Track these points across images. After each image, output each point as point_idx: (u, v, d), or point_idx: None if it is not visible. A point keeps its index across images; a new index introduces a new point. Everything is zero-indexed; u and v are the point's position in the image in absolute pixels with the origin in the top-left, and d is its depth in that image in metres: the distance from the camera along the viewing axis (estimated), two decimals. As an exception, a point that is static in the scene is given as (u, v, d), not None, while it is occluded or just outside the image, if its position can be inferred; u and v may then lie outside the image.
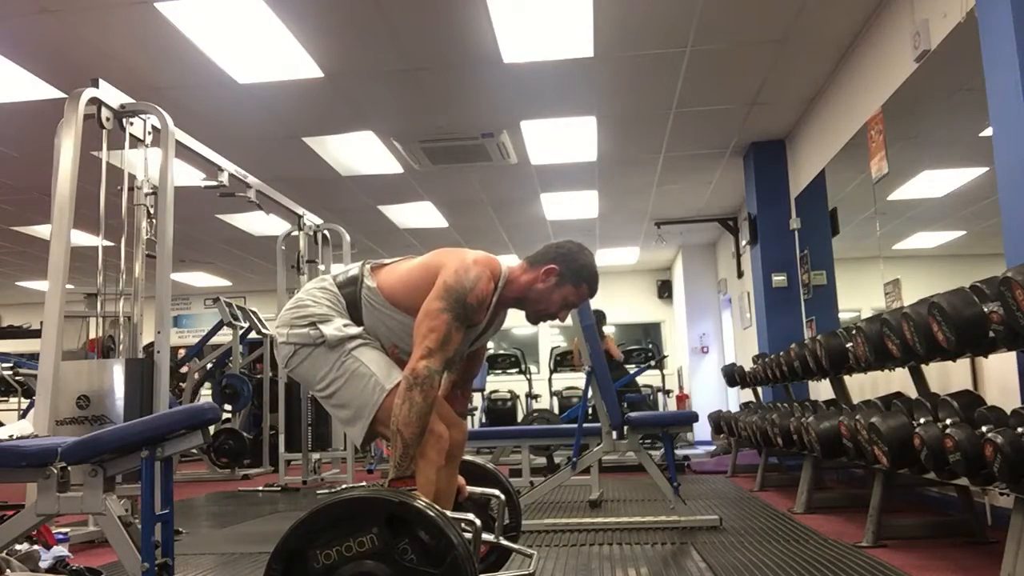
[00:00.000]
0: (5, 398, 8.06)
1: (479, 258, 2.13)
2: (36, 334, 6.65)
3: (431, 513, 1.63)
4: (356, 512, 1.66)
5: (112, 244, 3.92)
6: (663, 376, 9.42)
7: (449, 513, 1.72)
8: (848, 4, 4.36)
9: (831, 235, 6.12)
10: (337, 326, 2.07)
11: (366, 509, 1.66)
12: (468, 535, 1.76)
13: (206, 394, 9.01)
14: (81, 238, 4.39)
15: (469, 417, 7.63)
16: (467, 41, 4.61)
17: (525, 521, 4.04)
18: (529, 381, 9.55)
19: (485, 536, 2.12)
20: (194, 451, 7.96)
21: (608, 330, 12.29)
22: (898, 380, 3.83)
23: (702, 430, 8.81)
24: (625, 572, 2.98)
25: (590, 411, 4.77)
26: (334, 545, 1.62)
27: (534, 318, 2.22)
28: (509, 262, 2.23)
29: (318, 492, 5.97)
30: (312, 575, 1.62)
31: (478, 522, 1.81)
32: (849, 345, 3.67)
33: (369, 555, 1.60)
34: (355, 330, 2.08)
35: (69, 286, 3.46)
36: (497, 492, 2.22)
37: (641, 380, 8.57)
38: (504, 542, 2.22)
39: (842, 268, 6.15)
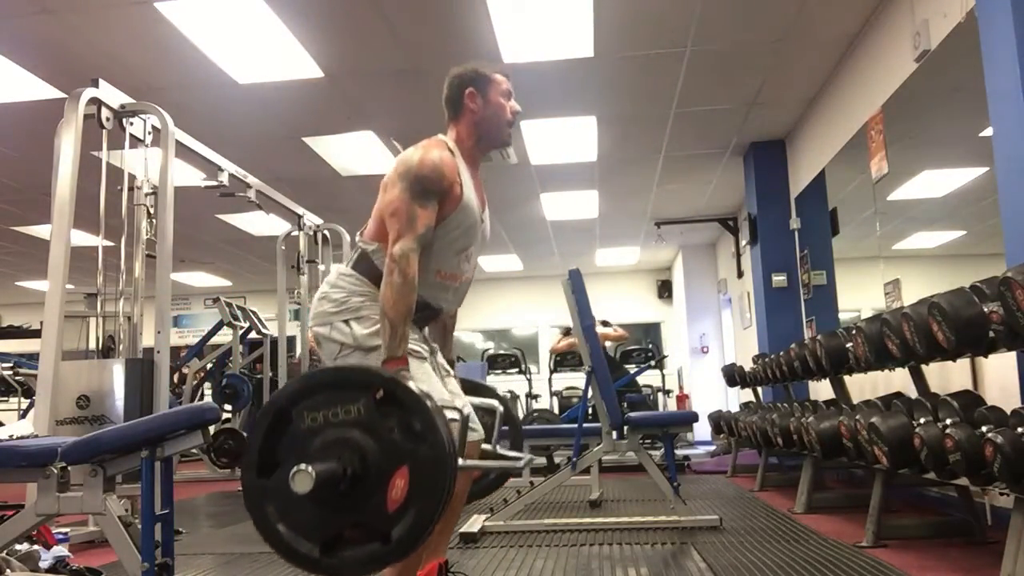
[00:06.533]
0: (5, 398, 8.06)
1: (421, 143, 2.15)
2: (36, 334, 6.65)
3: (418, 393, 1.65)
4: (348, 382, 1.69)
5: (112, 244, 3.92)
6: (663, 376, 9.42)
7: (437, 399, 1.73)
8: (848, 4, 4.36)
9: (831, 235, 6.12)
10: (370, 326, 2.02)
11: (357, 380, 1.69)
12: (456, 425, 1.79)
13: (206, 394, 9.01)
14: (81, 238, 4.39)
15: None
16: (467, 41, 4.61)
17: (525, 521, 4.06)
18: (529, 381, 9.54)
19: (483, 446, 2.15)
20: (194, 451, 7.96)
21: (607, 330, 12.33)
22: (898, 380, 3.83)
23: (702, 430, 8.80)
24: (625, 572, 2.98)
25: (590, 411, 4.77)
26: (321, 409, 1.64)
27: (505, 135, 2.24)
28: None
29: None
30: (296, 434, 1.65)
31: (465, 411, 1.84)
32: (849, 345, 3.67)
33: (353, 423, 1.63)
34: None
35: (69, 286, 3.46)
36: (494, 402, 2.23)
37: (641, 380, 8.57)
38: (500, 450, 2.24)
39: (842, 268, 6.15)
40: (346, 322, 2.04)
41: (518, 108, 2.26)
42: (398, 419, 1.62)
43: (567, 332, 8.43)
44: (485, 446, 2.19)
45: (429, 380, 2.00)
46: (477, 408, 2.25)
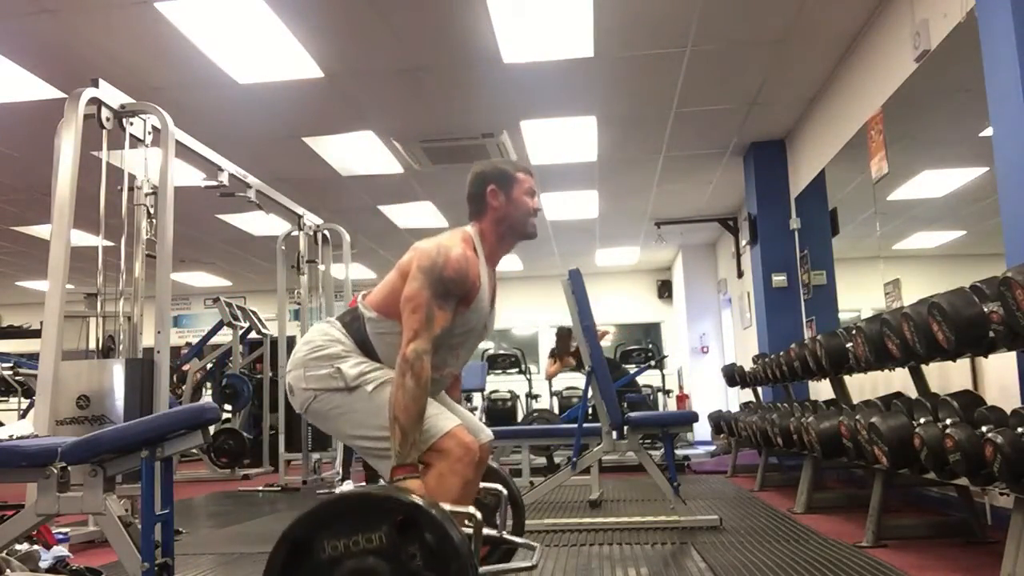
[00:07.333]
0: (5, 398, 8.07)
1: (446, 235, 2.13)
2: (36, 334, 6.64)
3: (436, 514, 1.63)
4: (367, 508, 1.67)
5: (112, 244, 3.92)
6: (663, 376, 9.42)
7: (449, 507, 1.71)
8: (848, 4, 4.36)
9: (831, 235, 6.12)
10: (354, 365, 2.01)
11: (377, 507, 1.66)
12: (469, 530, 1.77)
13: (206, 394, 9.01)
14: (81, 238, 4.39)
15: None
16: (467, 41, 4.61)
17: (526, 521, 4.06)
18: (529, 381, 9.54)
19: (487, 532, 2.12)
20: (194, 451, 7.96)
21: (609, 330, 12.33)
22: (898, 380, 3.83)
23: (702, 430, 8.81)
24: (625, 572, 2.98)
25: (590, 411, 4.77)
26: (342, 538, 1.62)
27: (529, 229, 2.26)
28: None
29: (318, 492, 5.97)
30: (316, 564, 1.62)
31: (479, 515, 1.82)
32: (849, 345, 3.67)
33: (375, 553, 1.60)
34: (373, 366, 2.03)
35: (69, 286, 3.46)
36: (499, 487, 2.23)
37: (641, 380, 8.56)
38: (507, 536, 2.23)
39: (842, 268, 6.15)
40: (331, 365, 2.02)
41: (540, 206, 2.26)
42: (419, 545, 1.60)
43: (552, 354, 8.40)
44: (490, 532, 2.16)
45: (432, 405, 2.00)
46: (483, 492, 2.24)
